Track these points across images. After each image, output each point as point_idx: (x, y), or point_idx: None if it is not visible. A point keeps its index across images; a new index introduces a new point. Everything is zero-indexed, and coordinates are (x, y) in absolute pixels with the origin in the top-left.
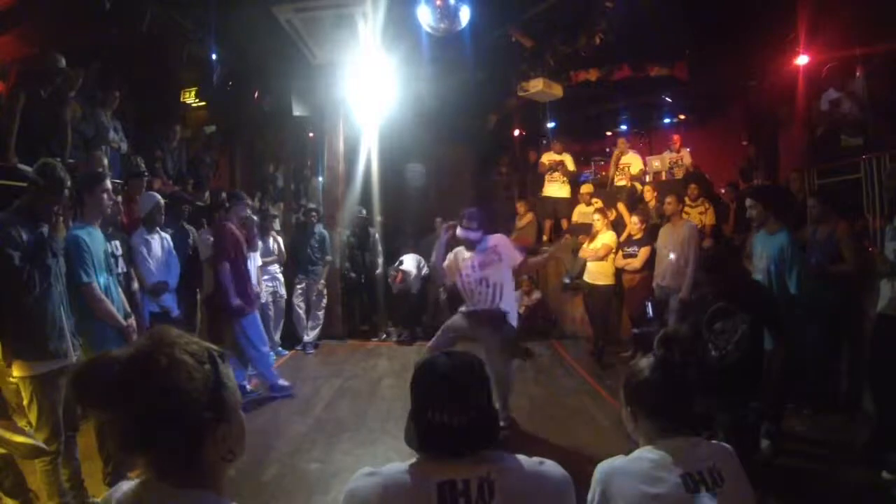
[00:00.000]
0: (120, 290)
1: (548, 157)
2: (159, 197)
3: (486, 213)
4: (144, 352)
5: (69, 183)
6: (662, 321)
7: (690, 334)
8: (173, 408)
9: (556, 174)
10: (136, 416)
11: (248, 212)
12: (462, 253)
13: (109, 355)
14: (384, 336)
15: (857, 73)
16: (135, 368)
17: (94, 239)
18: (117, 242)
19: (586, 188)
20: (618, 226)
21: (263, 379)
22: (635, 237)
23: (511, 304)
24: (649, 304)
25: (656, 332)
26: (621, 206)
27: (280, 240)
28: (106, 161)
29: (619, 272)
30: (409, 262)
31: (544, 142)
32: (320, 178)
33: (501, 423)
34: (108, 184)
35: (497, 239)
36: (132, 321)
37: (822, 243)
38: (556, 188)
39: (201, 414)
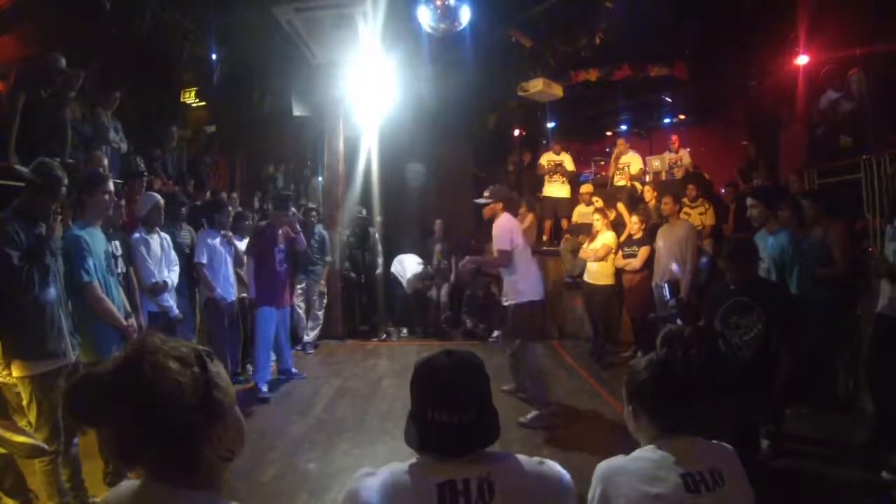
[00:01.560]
0: (121, 290)
1: (546, 159)
2: (159, 197)
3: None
4: (128, 362)
5: (66, 182)
6: (679, 304)
7: (693, 334)
8: (161, 416)
9: (556, 175)
10: (127, 427)
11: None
12: None
13: (96, 370)
14: (384, 336)
15: (857, 73)
16: (120, 381)
17: (95, 239)
18: (117, 242)
19: (586, 188)
20: (618, 226)
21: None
22: (635, 237)
23: (511, 286)
24: (665, 287)
25: (675, 317)
26: (621, 206)
27: None
28: (106, 161)
29: (619, 272)
30: (410, 262)
31: (544, 142)
32: (320, 178)
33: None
34: (111, 185)
35: (500, 220)
36: (133, 321)
37: (815, 245)
38: (556, 188)
39: (192, 418)
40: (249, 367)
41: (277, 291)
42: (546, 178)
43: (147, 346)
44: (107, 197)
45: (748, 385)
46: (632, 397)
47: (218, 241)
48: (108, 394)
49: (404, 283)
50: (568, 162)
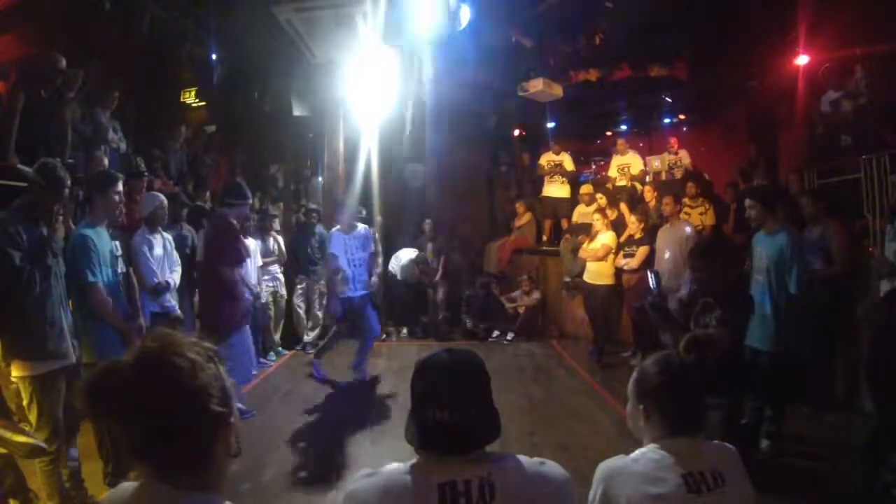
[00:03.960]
0: (124, 291)
1: (546, 159)
2: (163, 197)
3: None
4: (156, 354)
5: (69, 182)
6: (661, 293)
7: (721, 337)
8: (195, 406)
9: (556, 175)
10: (157, 419)
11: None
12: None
13: (117, 363)
14: (384, 336)
15: (857, 73)
16: (151, 372)
17: (101, 239)
18: (117, 243)
19: (586, 188)
20: (620, 226)
21: None
22: (636, 237)
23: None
24: (651, 275)
25: (662, 304)
26: (623, 207)
27: (280, 240)
28: (106, 161)
29: (619, 272)
30: (405, 254)
31: (547, 144)
32: (320, 178)
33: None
34: (121, 186)
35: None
36: (140, 322)
37: (813, 245)
38: (555, 188)
39: (218, 410)
40: None
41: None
42: (546, 178)
43: (172, 340)
44: (117, 197)
45: (723, 386)
46: (645, 396)
47: None
48: (136, 385)
49: (399, 274)
50: (567, 162)
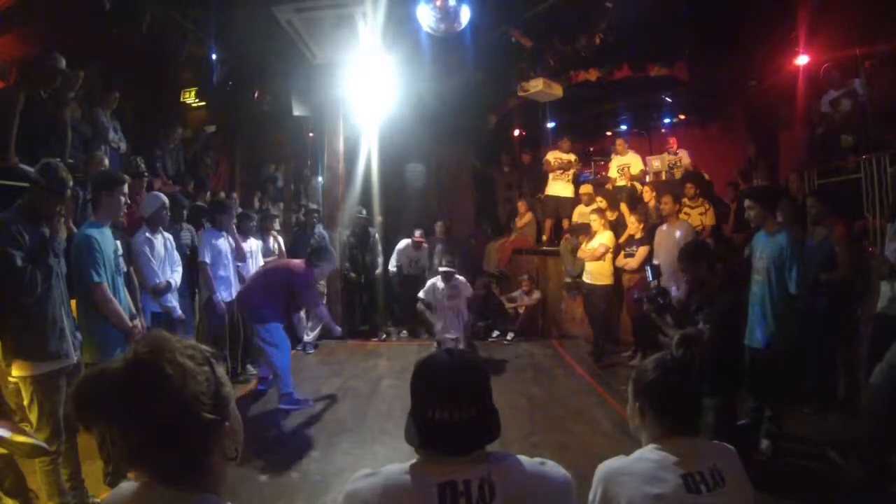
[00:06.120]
0: (126, 290)
1: (554, 156)
2: (165, 198)
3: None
4: (146, 360)
5: (71, 183)
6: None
7: (709, 335)
8: (185, 414)
9: (564, 173)
10: (148, 427)
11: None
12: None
13: (107, 368)
14: (384, 336)
15: (858, 73)
16: (140, 379)
17: (105, 239)
18: (118, 243)
19: (586, 188)
20: (620, 226)
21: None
22: (636, 237)
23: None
24: (649, 269)
25: (660, 298)
26: (623, 207)
27: (280, 240)
28: (106, 161)
29: (618, 272)
30: (402, 243)
31: (549, 142)
32: (320, 178)
33: None
34: (126, 186)
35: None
36: (138, 322)
37: (815, 247)
38: (560, 187)
39: (209, 416)
40: (250, 367)
41: None
42: (551, 175)
43: (163, 345)
44: (123, 198)
45: (712, 385)
46: (641, 394)
47: (221, 240)
48: (125, 392)
49: (395, 261)
50: (575, 161)
